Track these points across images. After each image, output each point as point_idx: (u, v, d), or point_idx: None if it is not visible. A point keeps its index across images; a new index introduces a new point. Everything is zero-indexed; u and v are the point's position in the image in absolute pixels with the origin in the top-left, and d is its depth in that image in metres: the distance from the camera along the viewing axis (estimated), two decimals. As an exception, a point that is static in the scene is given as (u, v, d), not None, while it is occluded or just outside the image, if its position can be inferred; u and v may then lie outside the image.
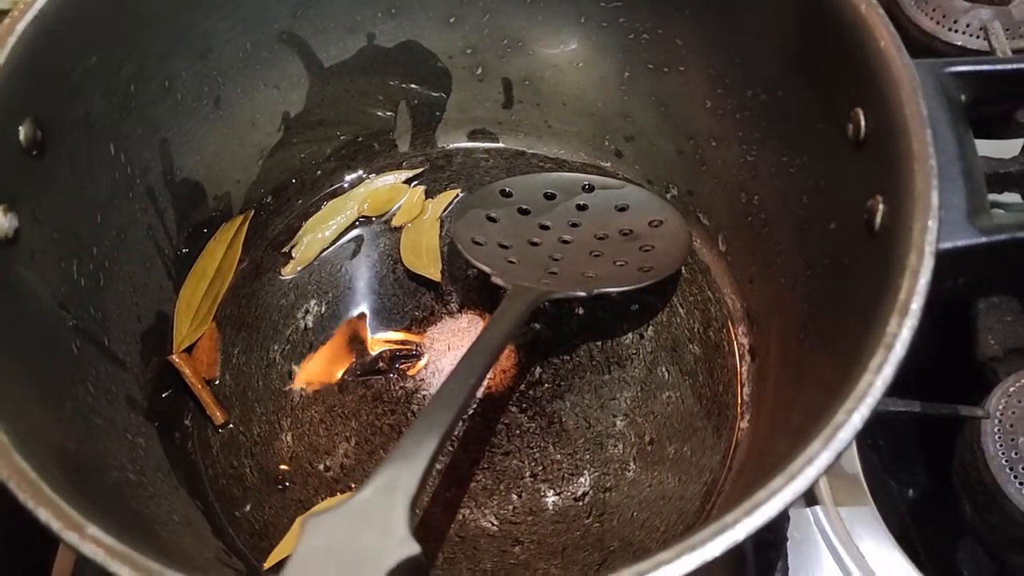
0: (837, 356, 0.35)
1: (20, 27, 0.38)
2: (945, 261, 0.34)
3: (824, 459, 0.30)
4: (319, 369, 0.50)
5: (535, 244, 0.50)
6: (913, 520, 0.54)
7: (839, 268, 0.39)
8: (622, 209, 0.52)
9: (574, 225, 0.52)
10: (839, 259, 0.39)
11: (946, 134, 0.38)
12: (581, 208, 0.52)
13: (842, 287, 0.38)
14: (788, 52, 0.42)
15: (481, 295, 0.52)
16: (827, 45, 0.40)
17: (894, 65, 0.36)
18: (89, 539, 0.29)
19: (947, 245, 0.36)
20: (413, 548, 0.31)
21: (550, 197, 0.53)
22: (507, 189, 0.53)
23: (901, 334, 0.32)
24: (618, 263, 0.49)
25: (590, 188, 0.53)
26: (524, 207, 0.52)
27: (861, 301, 0.35)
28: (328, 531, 0.31)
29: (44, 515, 0.29)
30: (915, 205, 0.34)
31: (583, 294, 0.47)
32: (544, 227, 0.51)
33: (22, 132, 0.38)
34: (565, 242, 0.51)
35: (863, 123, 0.38)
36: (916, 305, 0.32)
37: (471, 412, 0.48)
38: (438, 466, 0.46)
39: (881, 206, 0.36)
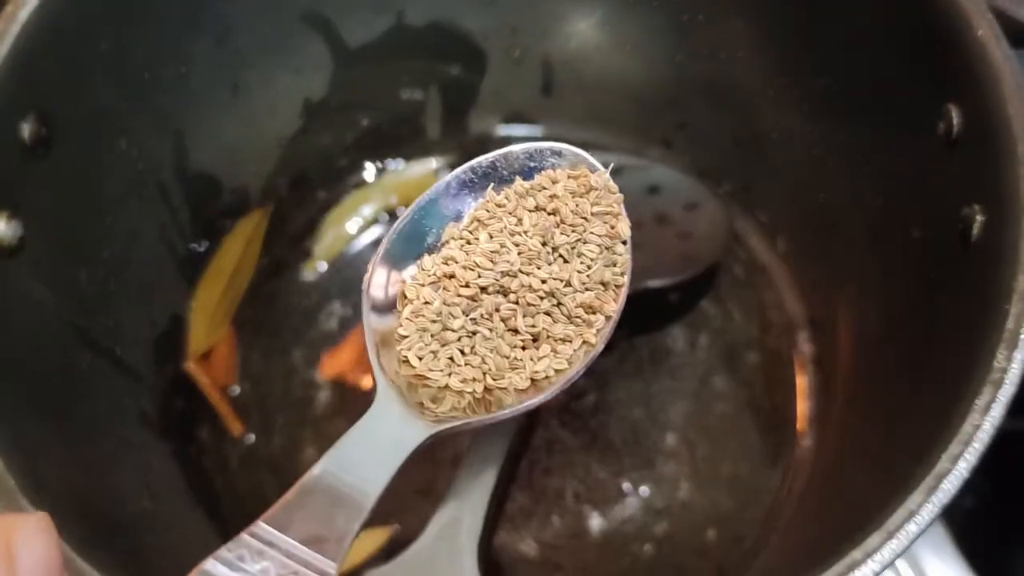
0: (928, 384, 0.32)
1: (23, 14, 0.34)
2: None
3: (926, 514, 0.27)
4: (344, 376, 0.47)
5: None
6: (971, 530, 0.51)
7: (925, 281, 0.36)
8: (653, 191, 0.49)
9: None
10: (925, 271, 0.36)
11: (1054, 135, 0.34)
12: None
13: (930, 304, 0.35)
14: (868, 40, 0.38)
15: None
16: (914, 33, 0.36)
17: (994, 57, 0.33)
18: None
19: (1059, 264, 0.32)
20: None
21: None
22: None
23: (1011, 369, 0.28)
24: (656, 253, 0.46)
25: (616, 170, 0.49)
26: None
27: (956, 323, 0.32)
28: None
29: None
30: (1022, 216, 0.30)
31: None
32: None
33: (26, 129, 0.34)
34: None
35: (956, 120, 0.34)
36: (1027, 335, 0.29)
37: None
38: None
39: (979, 216, 0.32)
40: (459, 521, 0.30)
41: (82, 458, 0.35)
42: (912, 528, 0.27)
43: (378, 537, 0.42)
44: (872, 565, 0.26)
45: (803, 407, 0.45)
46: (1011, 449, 0.48)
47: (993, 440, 0.48)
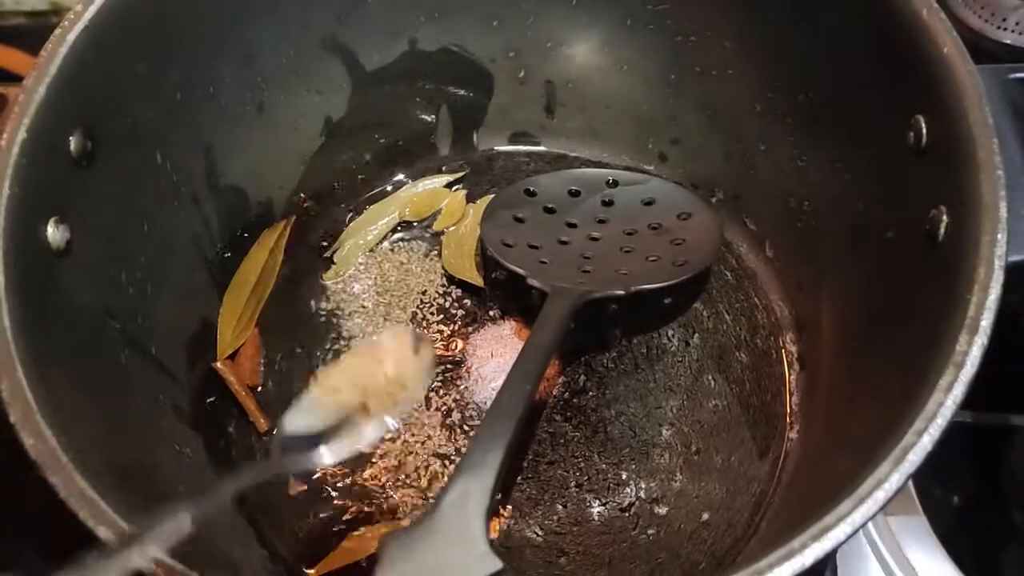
0: (900, 370, 0.35)
1: (71, 37, 0.38)
2: (1012, 274, 0.33)
3: (894, 482, 0.30)
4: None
5: (564, 243, 0.50)
6: (959, 525, 0.53)
7: (899, 278, 0.39)
8: (648, 203, 0.52)
9: (601, 221, 0.51)
10: (898, 269, 0.39)
11: (1012, 143, 0.37)
12: (607, 204, 0.52)
13: (903, 298, 0.38)
14: (844, 57, 0.42)
15: (523, 301, 0.51)
16: (886, 50, 0.39)
17: (958, 72, 0.36)
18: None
19: (1015, 258, 0.35)
20: (495, 564, 0.31)
21: (575, 194, 0.52)
22: (531, 188, 0.52)
23: (971, 352, 0.31)
24: (651, 258, 0.49)
25: (614, 183, 0.53)
26: (549, 206, 0.52)
27: (925, 314, 0.35)
28: (408, 551, 0.31)
29: (104, 533, 0.30)
30: (982, 216, 0.33)
31: (621, 292, 0.46)
32: (571, 225, 0.51)
33: (73, 143, 0.38)
34: (594, 239, 0.50)
35: (924, 131, 0.37)
36: (986, 322, 0.32)
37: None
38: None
39: (945, 217, 0.35)
40: (469, 493, 0.33)
41: (124, 442, 0.37)
42: (880, 495, 0.30)
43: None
44: (844, 527, 0.29)
45: (790, 402, 0.47)
46: (996, 448, 0.50)
47: (980, 440, 0.51)
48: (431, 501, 0.44)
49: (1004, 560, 0.51)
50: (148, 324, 0.43)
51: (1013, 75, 0.39)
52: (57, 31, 0.38)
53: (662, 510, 0.45)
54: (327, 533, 0.45)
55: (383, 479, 0.46)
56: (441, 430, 0.48)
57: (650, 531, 0.45)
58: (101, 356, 0.39)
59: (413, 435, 0.47)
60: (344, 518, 0.45)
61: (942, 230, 0.35)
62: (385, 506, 0.46)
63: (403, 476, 0.46)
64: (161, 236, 0.44)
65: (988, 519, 0.52)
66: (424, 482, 0.46)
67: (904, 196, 0.38)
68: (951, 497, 0.54)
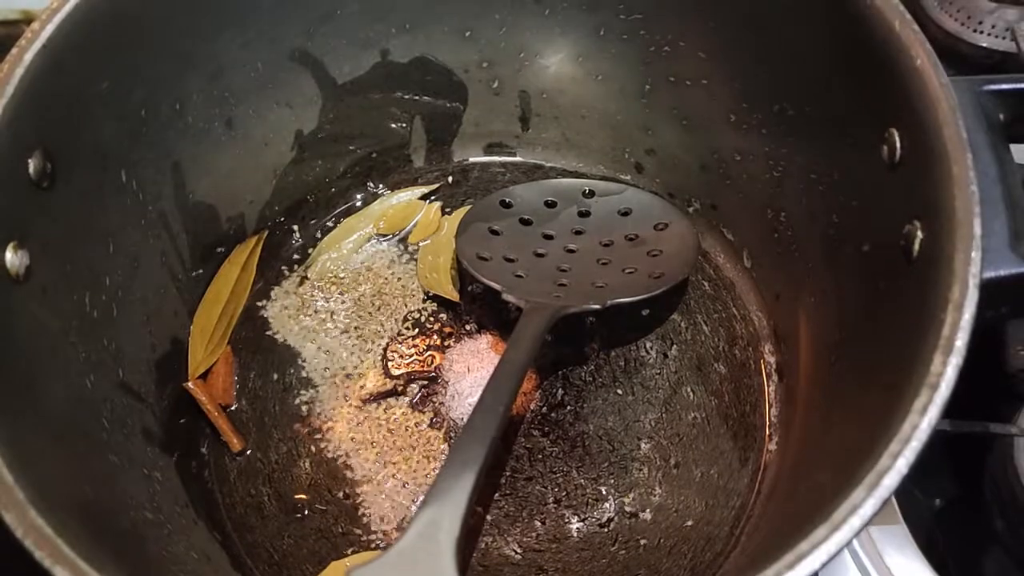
0: (876, 386, 0.34)
1: (28, 57, 0.37)
2: (986, 291, 0.32)
3: (869, 507, 0.29)
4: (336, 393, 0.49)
5: (541, 255, 0.50)
6: (939, 530, 0.53)
7: (874, 293, 0.38)
8: (625, 213, 0.52)
9: (578, 233, 0.51)
10: (874, 283, 0.38)
11: (986, 156, 0.37)
12: (583, 215, 0.52)
13: (879, 314, 0.37)
14: (817, 68, 0.41)
15: (499, 315, 0.51)
16: (859, 62, 0.38)
17: (931, 85, 0.35)
18: (109, 599, 0.28)
19: (989, 275, 0.34)
20: None
21: (551, 205, 0.52)
22: (507, 200, 0.52)
23: (946, 373, 0.31)
24: (627, 270, 0.48)
25: (590, 193, 0.53)
26: (526, 217, 0.51)
27: (900, 331, 0.34)
28: None
29: (62, 574, 0.29)
30: (956, 232, 0.33)
31: (597, 307, 0.46)
32: (548, 237, 0.51)
33: (31, 165, 0.37)
34: (571, 251, 0.50)
35: (898, 144, 0.36)
36: (961, 342, 0.31)
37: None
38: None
39: (919, 232, 0.35)
40: (438, 522, 0.32)
41: (88, 472, 0.37)
42: (855, 521, 0.29)
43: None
44: (818, 555, 0.29)
45: (769, 413, 0.47)
46: (976, 456, 0.50)
47: (960, 447, 0.50)
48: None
49: (985, 568, 0.51)
50: (115, 347, 0.42)
51: (987, 87, 0.39)
52: (14, 50, 0.37)
53: (641, 525, 0.45)
54: (302, 557, 0.44)
55: (360, 500, 0.46)
56: (417, 448, 0.47)
57: (629, 546, 0.44)
58: (65, 383, 0.38)
59: (390, 456, 0.47)
60: (320, 540, 0.45)
61: (917, 245, 0.34)
62: (363, 528, 0.45)
63: (381, 497, 0.46)
64: (127, 256, 0.43)
65: (968, 527, 0.52)
66: (401, 502, 0.45)
67: (879, 209, 0.38)
68: (931, 504, 0.54)
